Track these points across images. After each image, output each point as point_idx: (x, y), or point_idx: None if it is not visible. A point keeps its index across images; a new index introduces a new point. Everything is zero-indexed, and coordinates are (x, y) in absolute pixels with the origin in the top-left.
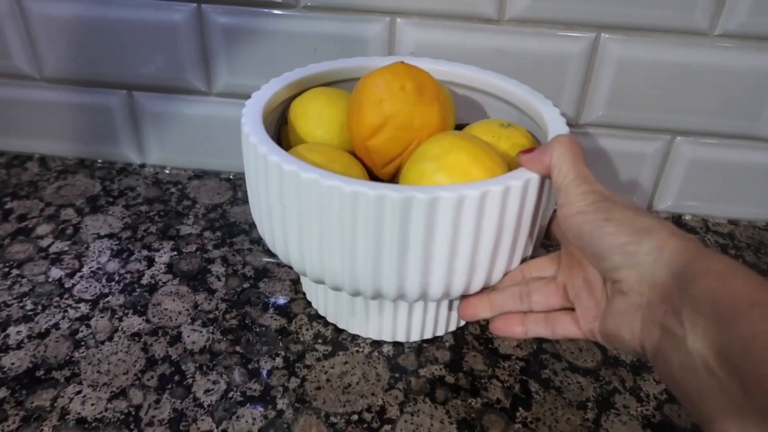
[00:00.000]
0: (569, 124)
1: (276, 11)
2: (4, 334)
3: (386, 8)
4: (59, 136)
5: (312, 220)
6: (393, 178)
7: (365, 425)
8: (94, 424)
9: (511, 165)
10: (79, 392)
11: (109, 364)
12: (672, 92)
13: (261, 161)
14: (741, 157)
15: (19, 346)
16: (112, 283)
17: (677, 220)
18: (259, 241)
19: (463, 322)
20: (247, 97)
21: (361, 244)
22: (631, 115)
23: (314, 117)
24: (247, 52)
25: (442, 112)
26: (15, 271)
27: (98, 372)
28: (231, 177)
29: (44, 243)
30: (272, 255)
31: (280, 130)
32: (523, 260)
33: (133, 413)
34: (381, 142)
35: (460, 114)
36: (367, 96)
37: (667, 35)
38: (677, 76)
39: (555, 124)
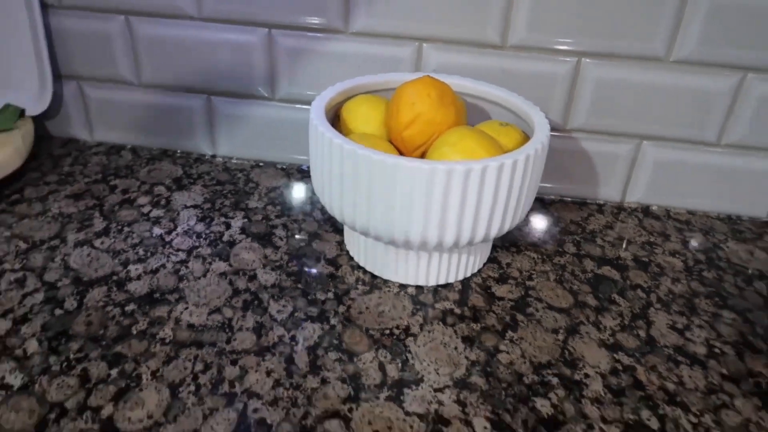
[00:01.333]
0: (558, 129)
1: (329, 35)
2: (126, 270)
3: (415, 35)
4: (147, 131)
5: (363, 185)
6: None
7: (395, 336)
8: (200, 328)
9: (505, 150)
10: (186, 308)
11: (205, 292)
12: (638, 105)
13: (326, 143)
14: (694, 158)
15: (138, 278)
16: (201, 239)
17: (645, 210)
18: (311, 213)
19: (469, 273)
20: (303, 102)
21: (398, 202)
22: (607, 123)
23: (361, 116)
24: (305, 66)
25: (457, 113)
26: (126, 229)
27: (198, 297)
28: (285, 167)
29: (145, 210)
30: (321, 224)
31: (333, 125)
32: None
33: (227, 323)
34: (413, 133)
35: (471, 118)
36: (403, 99)
37: (633, 60)
38: (642, 92)
39: (540, 125)
